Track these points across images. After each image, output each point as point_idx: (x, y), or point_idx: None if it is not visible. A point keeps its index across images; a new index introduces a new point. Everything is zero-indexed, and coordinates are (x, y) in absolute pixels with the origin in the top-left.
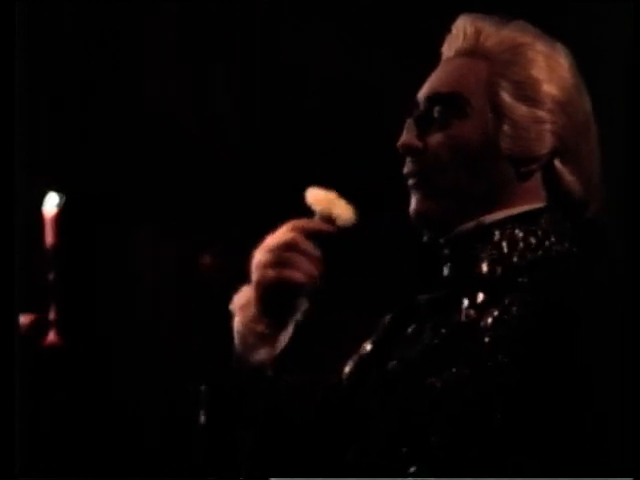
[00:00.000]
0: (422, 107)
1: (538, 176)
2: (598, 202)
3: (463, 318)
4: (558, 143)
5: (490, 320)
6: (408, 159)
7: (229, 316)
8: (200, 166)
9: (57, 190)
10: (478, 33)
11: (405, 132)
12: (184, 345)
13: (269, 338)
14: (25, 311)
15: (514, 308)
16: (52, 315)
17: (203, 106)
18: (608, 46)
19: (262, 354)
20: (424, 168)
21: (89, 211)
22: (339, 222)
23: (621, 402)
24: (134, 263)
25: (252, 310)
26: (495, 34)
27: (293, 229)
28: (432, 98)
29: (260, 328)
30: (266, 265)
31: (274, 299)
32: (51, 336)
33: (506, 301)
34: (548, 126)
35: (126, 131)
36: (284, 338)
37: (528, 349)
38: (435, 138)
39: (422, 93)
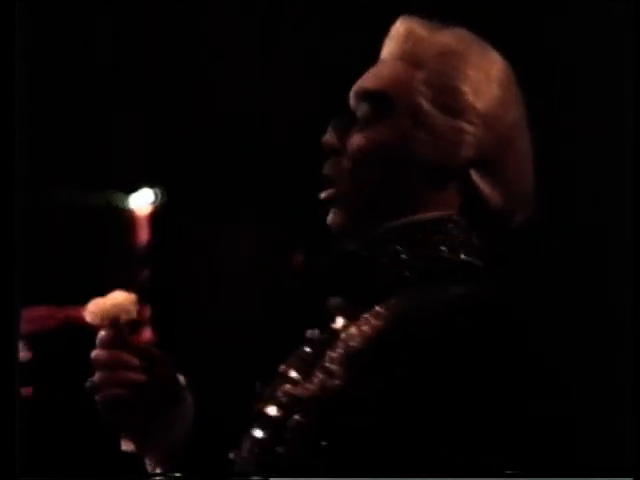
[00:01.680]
0: (350, 105)
1: (453, 185)
2: (524, 214)
3: (336, 325)
4: (476, 155)
5: (352, 329)
6: (329, 159)
7: (325, 314)
8: (294, 167)
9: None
10: (409, 37)
11: (329, 130)
12: (277, 344)
13: (149, 453)
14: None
15: (375, 319)
16: (146, 313)
17: (285, 106)
18: (608, 46)
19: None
20: (341, 169)
21: (181, 209)
22: (110, 319)
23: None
24: (229, 262)
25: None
26: (427, 40)
27: (95, 348)
28: (358, 94)
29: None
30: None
31: (121, 421)
32: (145, 334)
33: (375, 311)
34: (466, 137)
35: (218, 130)
36: (160, 445)
37: (376, 362)
38: (354, 139)
39: (351, 91)
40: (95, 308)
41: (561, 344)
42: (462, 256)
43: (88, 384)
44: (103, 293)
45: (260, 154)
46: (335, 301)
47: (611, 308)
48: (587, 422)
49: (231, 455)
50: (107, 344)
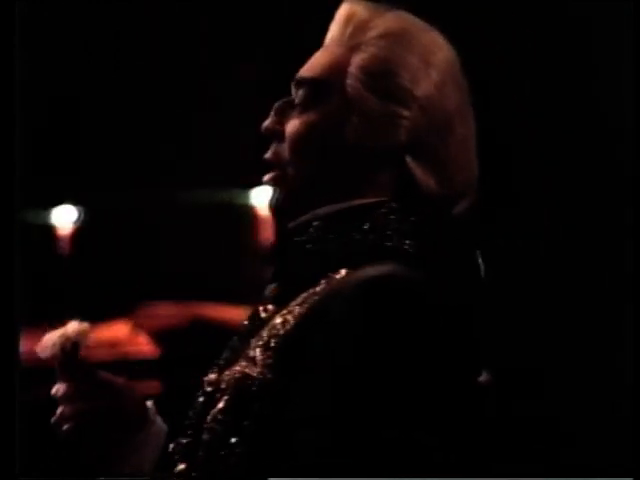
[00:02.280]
0: (292, 92)
1: (389, 170)
2: (465, 202)
3: (263, 313)
4: (411, 139)
5: (278, 318)
6: (271, 144)
7: None
8: None
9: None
10: (350, 21)
11: (270, 116)
12: None
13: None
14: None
15: (299, 307)
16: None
17: None
18: (608, 46)
19: None
20: (280, 154)
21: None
22: (61, 350)
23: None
24: None
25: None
26: (367, 23)
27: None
28: (297, 82)
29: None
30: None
31: (86, 451)
32: None
33: (301, 298)
34: (402, 121)
35: None
36: (127, 470)
37: (293, 350)
38: (290, 124)
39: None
40: (44, 341)
41: (560, 344)
42: (393, 242)
43: (53, 420)
44: (223, 291)
45: None
46: (269, 289)
47: (612, 307)
48: (587, 422)
49: (170, 447)
50: (63, 376)
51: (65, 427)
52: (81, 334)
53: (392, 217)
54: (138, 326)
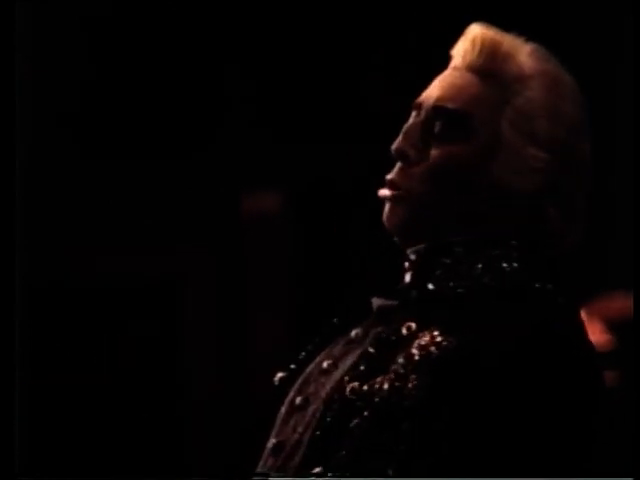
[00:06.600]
0: (424, 115)
1: (522, 209)
2: (574, 240)
3: (404, 331)
4: (548, 182)
5: (427, 339)
6: (397, 165)
7: None
8: None
9: None
10: (495, 53)
11: (401, 137)
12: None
13: None
14: None
15: (451, 330)
16: None
17: None
18: (607, 46)
19: None
20: (411, 178)
21: None
22: None
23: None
24: None
25: None
26: (512, 59)
27: None
28: (438, 110)
29: None
30: None
31: None
32: None
33: (451, 321)
34: (541, 164)
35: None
36: None
37: (441, 375)
38: (432, 151)
39: (428, 101)
40: None
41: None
42: (531, 278)
43: None
44: None
45: None
46: (380, 301)
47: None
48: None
49: (272, 442)
50: None
51: None
52: None
53: (525, 254)
54: (593, 315)
